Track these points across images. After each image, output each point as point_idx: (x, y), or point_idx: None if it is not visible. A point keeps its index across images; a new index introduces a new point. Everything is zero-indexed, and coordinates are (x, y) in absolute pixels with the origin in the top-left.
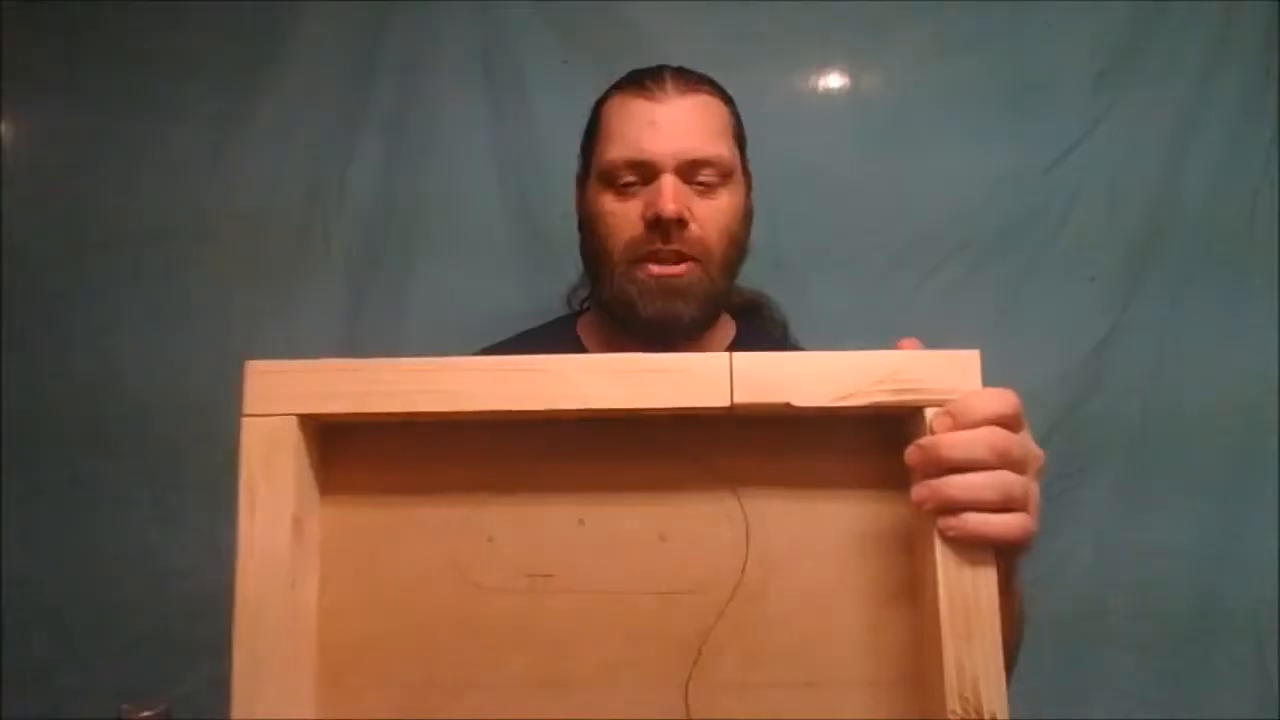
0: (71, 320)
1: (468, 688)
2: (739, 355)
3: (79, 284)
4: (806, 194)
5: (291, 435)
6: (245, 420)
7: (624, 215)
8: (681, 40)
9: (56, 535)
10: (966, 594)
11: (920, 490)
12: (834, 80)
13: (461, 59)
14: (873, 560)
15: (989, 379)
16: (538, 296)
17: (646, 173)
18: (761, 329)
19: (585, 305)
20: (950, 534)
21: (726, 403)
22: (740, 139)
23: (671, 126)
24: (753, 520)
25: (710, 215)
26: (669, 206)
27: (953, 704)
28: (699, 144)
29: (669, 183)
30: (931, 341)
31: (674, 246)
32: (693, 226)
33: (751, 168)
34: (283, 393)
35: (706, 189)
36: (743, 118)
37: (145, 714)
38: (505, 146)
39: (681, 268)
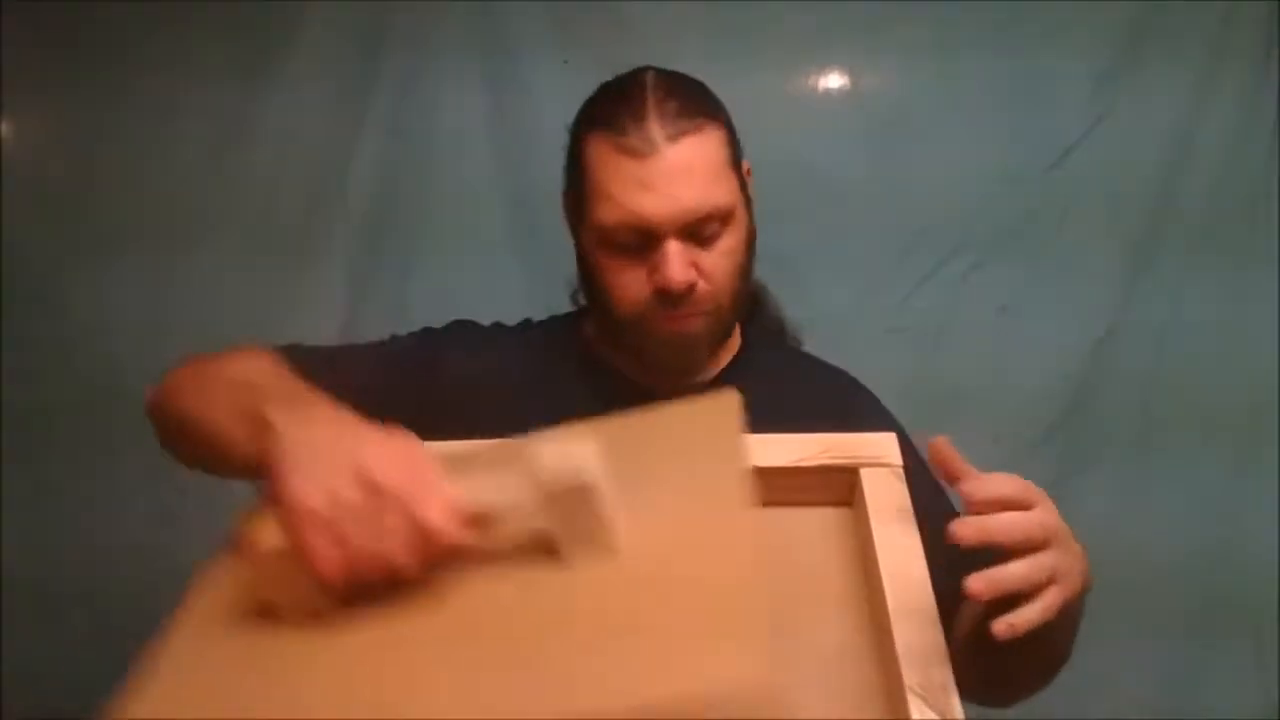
0: (71, 320)
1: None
2: None
3: (79, 284)
4: (807, 193)
5: None
6: None
7: (628, 278)
8: (681, 40)
9: (56, 535)
10: (903, 576)
11: (977, 582)
12: (834, 80)
13: (461, 59)
14: (835, 578)
15: (989, 378)
16: (538, 295)
17: (646, 237)
18: (762, 334)
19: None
20: (1003, 633)
21: None
22: (735, 153)
23: (666, 185)
24: None
25: (717, 264)
26: (677, 280)
27: (907, 674)
28: (699, 198)
29: (674, 251)
30: (932, 341)
31: (684, 311)
32: (700, 285)
33: (750, 164)
34: None
35: (711, 238)
36: (743, 118)
37: None
38: (505, 146)
39: (694, 321)
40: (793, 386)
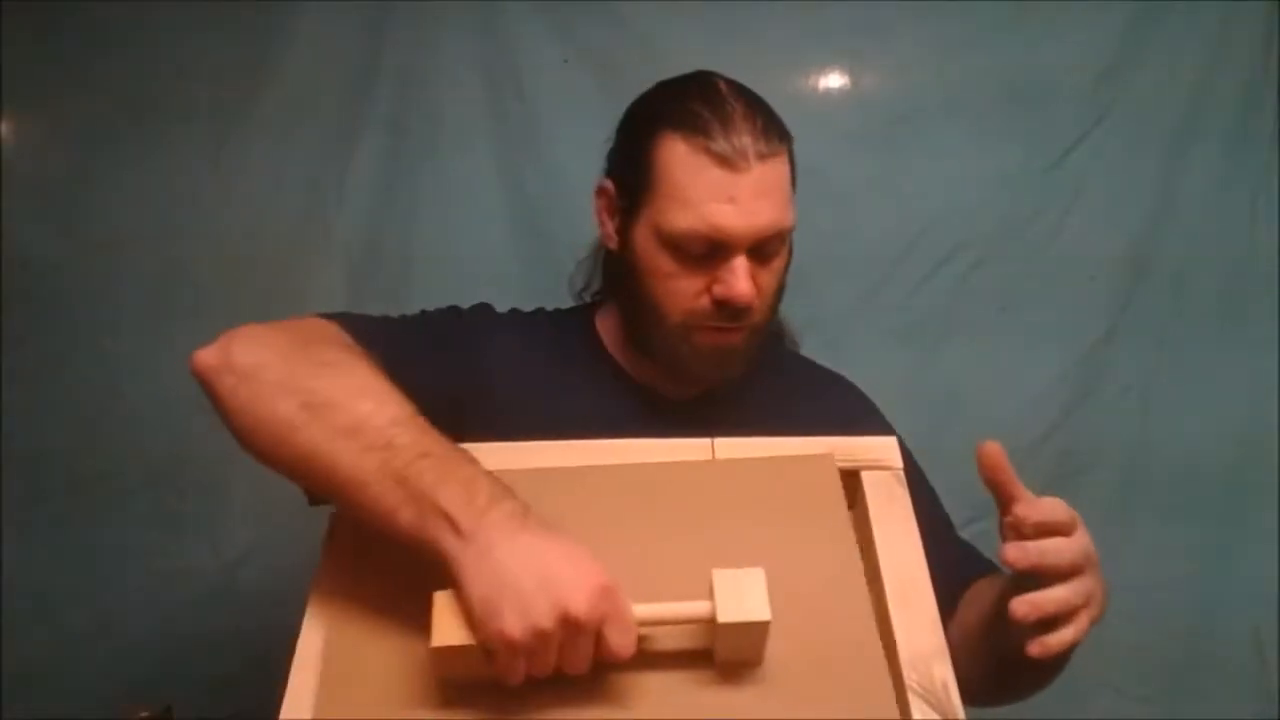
0: (71, 320)
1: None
2: (720, 441)
3: (79, 284)
4: (806, 194)
5: None
6: None
7: (687, 283)
8: (681, 40)
9: (56, 535)
10: (905, 577)
11: (1021, 606)
12: (834, 80)
13: (461, 59)
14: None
15: (989, 378)
16: (538, 295)
17: (717, 248)
18: (766, 346)
19: (598, 298)
20: (1038, 653)
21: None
22: (795, 175)
23: (752, 202)
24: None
25: (769, 281)
26: (746, 294)
27: (908, 673)
28: (775, 218)
29: (743, 267)
30: (932, 341)
31: (736, 325)
32: (756, 301)
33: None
34: None
35: (770, 257)
36: None
37: (144, 714)
38: (505, 146)
39: (738, 335)
40: (793, 390)
